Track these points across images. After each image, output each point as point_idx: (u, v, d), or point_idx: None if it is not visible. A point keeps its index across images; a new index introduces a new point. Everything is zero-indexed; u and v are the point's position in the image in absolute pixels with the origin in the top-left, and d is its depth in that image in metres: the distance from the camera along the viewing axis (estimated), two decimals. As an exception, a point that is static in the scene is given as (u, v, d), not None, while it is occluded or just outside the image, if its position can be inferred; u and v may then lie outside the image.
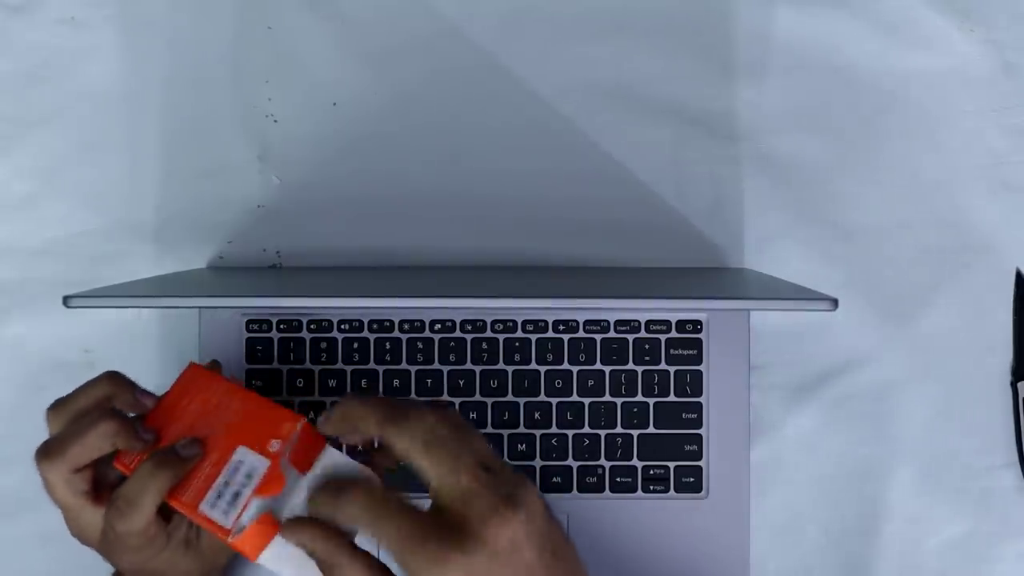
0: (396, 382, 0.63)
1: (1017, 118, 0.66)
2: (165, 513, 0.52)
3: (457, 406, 0.63)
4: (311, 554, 0.47)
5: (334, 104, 0.67)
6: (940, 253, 0.66)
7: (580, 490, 0.63)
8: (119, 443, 0.51)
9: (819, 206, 0.66)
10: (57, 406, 0.53)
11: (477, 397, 0.63)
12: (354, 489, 0.47)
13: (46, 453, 0.51)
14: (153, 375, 0.64)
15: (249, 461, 0.50)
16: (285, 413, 0.51)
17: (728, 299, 0.54)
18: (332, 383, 0.63)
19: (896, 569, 0.65)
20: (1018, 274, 0.66)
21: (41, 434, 0.65)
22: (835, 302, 0.49)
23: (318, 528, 0.47)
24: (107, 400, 0.53)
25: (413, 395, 0.63)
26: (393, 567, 0.47)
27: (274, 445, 0.50)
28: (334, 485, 0.48)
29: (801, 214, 0.66)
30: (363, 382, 0.63)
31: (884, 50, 0.67)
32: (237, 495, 0.49)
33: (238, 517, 0.48)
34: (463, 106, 0.67)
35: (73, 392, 0.54)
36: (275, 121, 0.67)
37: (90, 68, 0.67)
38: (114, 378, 0.54)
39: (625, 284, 0.62)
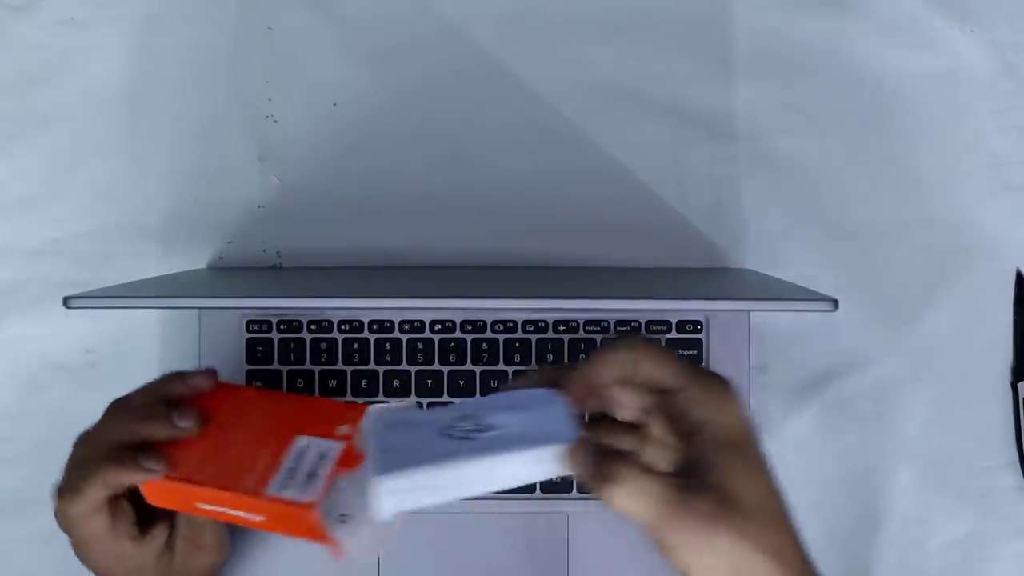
0: (396, 382, 0.63)
1: (1017, 118, 0.66)
2: (143, 522, 0.53)
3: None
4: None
5: (334, 104, 0.67)
6: (940, 253, 0.66)
7: (580, 491, 0.63)
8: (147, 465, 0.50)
9: (819, 206, 0.66)
10: (116, 408, 0.53)
11: (477, 397, 0.63)
12: (624, 340, 0.47)
13: (59, 494, 0.51)
14: (153, 376, 0.64)
15: (316, 446, 0.49)
16: (341, 404, 0.51)
17: (728, 299, 0.54)
18: (332, 383, 0.63)
19: (896, 569, 0.65)
20: (1018, 274, 0.66)
21: (42, 435, 0.65)
22: (835, 302, 0.49)
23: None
24: (161, 399, 0.53)
25: (413, 396, 0.63)
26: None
27: (343, 430, 0.49)
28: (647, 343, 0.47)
29: (801, 214, 0.66)
30: (363, 383, 0.63)
31: (884, 50, 0.67)
32: (312, 475, 0.48)
33: (322, 493, 0.47)
34: (463, 106, 0.67)
35: (130, 394, 0.54)
36: (275, 121, 0.67)
37: (90, 68, 0.67)
38: (166, 377, 0.54)
39: (625, 284, 0.62)
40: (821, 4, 0.67)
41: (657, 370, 0.46)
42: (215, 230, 0.66)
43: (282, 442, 0.49)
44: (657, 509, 0.42)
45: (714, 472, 0.43)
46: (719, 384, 0.46)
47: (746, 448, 0.45)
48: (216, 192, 0.66)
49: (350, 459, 0.48)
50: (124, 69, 0.67)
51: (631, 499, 0.42)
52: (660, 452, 0.47)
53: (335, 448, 0.48)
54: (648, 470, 0.43)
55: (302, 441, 0.49)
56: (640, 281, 0.63)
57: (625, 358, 0.46)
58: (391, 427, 0.46)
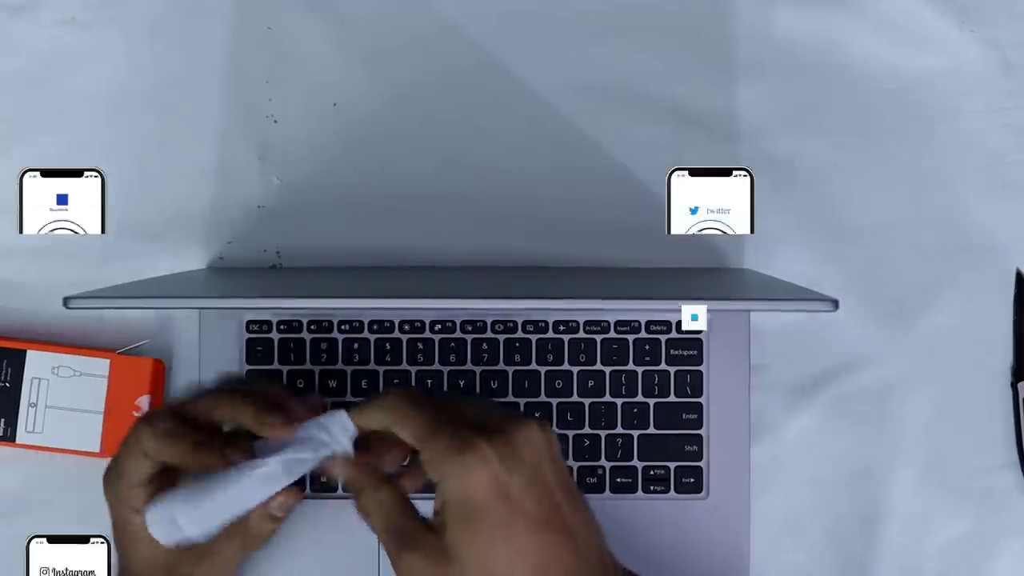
0: (396, 382, 0.63)
1: (1017, 118, 0.66)
2: None
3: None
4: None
5: (334, 105, 0.67)
6: (940, 253, 0.66)
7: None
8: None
9: (819, 206, 0.66)
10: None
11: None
12: (389, 394, 0.50)
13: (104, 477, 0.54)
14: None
15: None
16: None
17: (729, 300, 0.54)
18: (332, 384, 0.63)
19: (896, 569, 0.65)
20: (1018, 274, 0.66)
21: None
22: (835, 303, 0.49)
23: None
24: None
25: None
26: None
27: None
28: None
29: (801, 214, 0.66)
30: (363, 383, 0.63)
31: (884, 50, 0.67)
32: None
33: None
34: (463, 106, 0.67)
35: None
36: (275, 122, 0.67)
37: (90, 69, 0.66)
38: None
39: (625, 284, 0.62)
40: (821, 4, 0.67)
41: (399, 432, 0.49)
42: (215, 230, 0.66)
43: None
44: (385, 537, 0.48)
45: (445, 530, 0.47)
46: (456, 450, 0.47)
47: (477, 515, 0.46)
48: (216, 192, 0.66)
49: None
50: (124, 69, 0.67)
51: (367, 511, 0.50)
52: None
53: None
54: (395, 496, 0.49)
55: None
56: (640, 281, 0.63)
57: (379, 417, 0.50)
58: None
